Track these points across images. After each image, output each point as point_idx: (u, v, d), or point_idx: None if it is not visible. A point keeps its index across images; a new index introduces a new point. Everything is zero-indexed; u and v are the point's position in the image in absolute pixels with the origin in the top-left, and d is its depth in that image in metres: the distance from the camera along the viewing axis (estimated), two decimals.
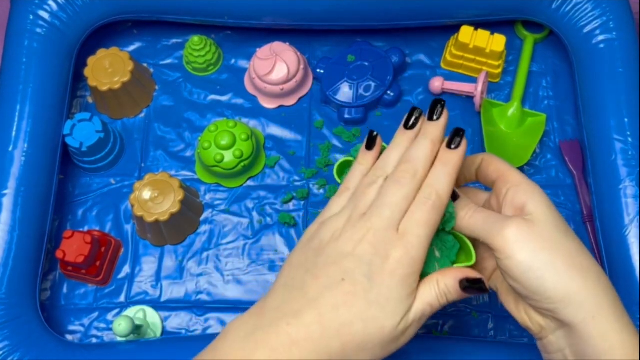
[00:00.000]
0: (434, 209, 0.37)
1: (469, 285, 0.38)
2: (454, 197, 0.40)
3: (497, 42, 0.65)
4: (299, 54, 0.66)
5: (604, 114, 0.60)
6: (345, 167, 0.45)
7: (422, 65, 0.70)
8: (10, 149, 0.58)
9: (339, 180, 0.43)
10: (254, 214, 0.63)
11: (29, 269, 0.56)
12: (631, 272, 0.54)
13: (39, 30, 0.61)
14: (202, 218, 0.64)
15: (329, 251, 0.37)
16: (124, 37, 0.71)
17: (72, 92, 0.65)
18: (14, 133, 0.58)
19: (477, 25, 0.66)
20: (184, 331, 0.59)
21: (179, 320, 0.60)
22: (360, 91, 0.65)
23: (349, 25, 0.67)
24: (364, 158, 0.42)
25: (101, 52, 0.64)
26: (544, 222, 0.37)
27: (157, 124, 0.67)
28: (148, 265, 0.62)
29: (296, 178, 0.65)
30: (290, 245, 0.62)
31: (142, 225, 0.60)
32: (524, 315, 0.39)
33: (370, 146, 0.41)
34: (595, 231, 0.60)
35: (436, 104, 0.40)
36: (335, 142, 0.66)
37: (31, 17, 0.61)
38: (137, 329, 0.56)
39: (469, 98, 0.67)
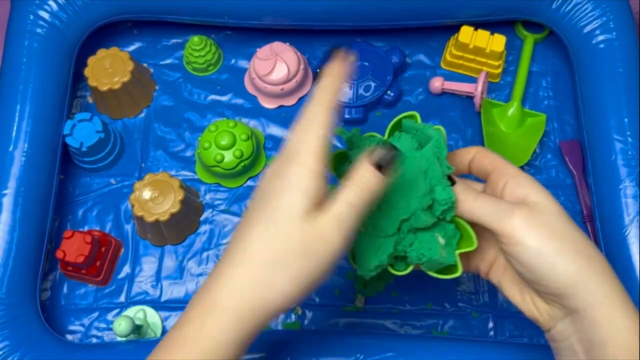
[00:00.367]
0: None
1: (381, 160, 0.36)
2: (452, 181, 0.40)
3: (497, 42, 0.65)
4: (299, 54, 0.66)
5: (604, 114, 0.60)
6: (340, 160, 0.44)
7: (422, 65, 0.70)
8: (10, 149, 0.58)
9: (333, 173, 0.43)
10: None
11: (29, 269, 0.56)
12: (631, 272, 0.54)
13: (39, 30, 0.61)
14: (202, 218, 0.64)
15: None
16: (124, 37, 0.71)
17: (72, 92, 0.65)
18: (14, 133, 0.58)
19: (477, 25, 0.66)
20: None
21: None
22: (360, 91, 0.65)
23: (349, 25, 0.67)
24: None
25: (101, 52, 0.64)
26: (549, 211, 0.37)
27: (157, 124, 0.67)
28: (148, 265, 0.62)
29: None
30: None
31: (142, 225, 0.60)
32: (531, 306, 0.40)
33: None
34: (595, 231, 0.60)
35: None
36: (335, 142, 0.66)
37: (31, 17, 0.61)
38: (137, 329, 0.56)
39: (469, 98, 0.67)
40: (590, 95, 0.61)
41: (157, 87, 0.69)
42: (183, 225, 0.61)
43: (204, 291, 0.36)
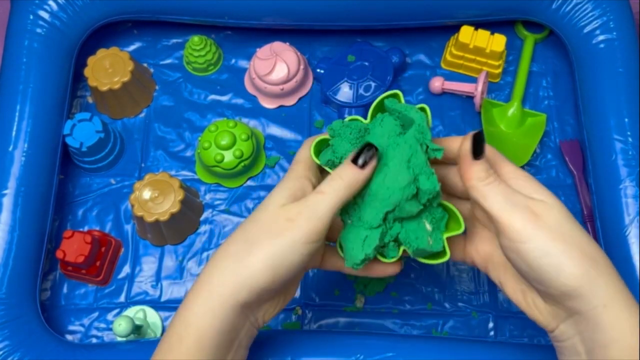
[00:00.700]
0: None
1: (357, 155, 0.39)
2: (478, 153, 0.39)
3: (497, 42, 0.65)
4: (299, 54, 0.66)
5: (604, 114, 0.60)
6: (322, 146, 0.43)
7: (422, 65, 0.70)
8: (10, 149, 0.58)
9: (316, 160, 0.42)
10: None
11: (29, 269, 0.56)
12: (631, 272, 0.54)
13: (39, 30, 0.61)
14: (202, 218, 0.64)
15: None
16: (124, 37, 0.71)
17: (72, 92, 0.65)
18: (14, 133, 0.58)
19: (477, 25, 0.66)
20: None
21: None
22: (361, 91, 0.65)
23: (349, 25, 0.67)
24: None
25: (101, 52, 0.64)
26: (556, 212, 0.37)
27: (157, 124, 0.67)
28: (148, 265, 0.62)
29: None
30: None
31: (142, 225, 0.60)
32: (532, 306, 0.40)
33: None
34: (595, 231, 0.60)
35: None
36: None
37: (31, 17, 0.61)
38: (137, 329, 0.56)
39: (469, 98, 0.67)
40: (590, 95, 0.61)
41: (157, 87, 0.69)
42: (183, 225, 0.61)
43: None
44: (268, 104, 0.68)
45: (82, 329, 0.60)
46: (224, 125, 0.61)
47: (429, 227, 0.41)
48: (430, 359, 0.50)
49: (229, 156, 0.61)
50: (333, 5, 0.63)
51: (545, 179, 0.65)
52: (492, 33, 0.65)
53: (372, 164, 0.39)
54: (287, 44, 0.66)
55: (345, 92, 0.65)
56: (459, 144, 0.40)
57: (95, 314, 0.60)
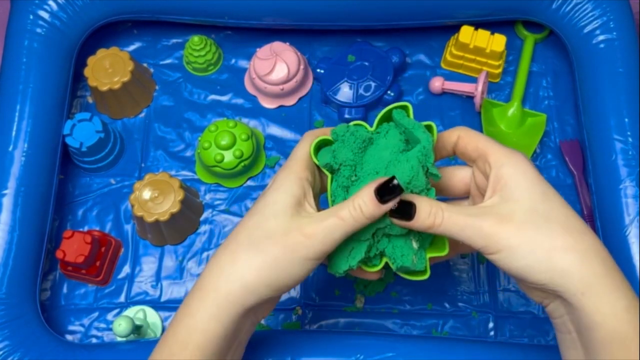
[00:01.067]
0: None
1: (384, 193, 0.37)
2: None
3: (497, 42, 0.65)
4: (299, 54, 0.66)
5: (604, 114, 0.60)
6: (321, 146, 0.42)
7: (422, 65, 0.70)
8: (10, 149, 0.58)
9: (315, 161, 0.42)
10: None
11: (29, 269, 0.56)
12: (631, 272, 0.54)
13: (39, 30, 0.61)
14: (202, 218, 0.64)
15: None
16: (124, 37, 0.71)
17: (72, 92, 0.65)
18: (14, 133, 0.58)
19: (477, 25, 0.66)
20: None
21: None
22: (361, 91, 0.65)
23: (349, 25, 0.67)
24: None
25: (101, 52, 0.64)
26: (523, 209, 0.37)
27: (157, 124, 0.67)
28: (148, 265, 0.62)
29: None
30: None
31: (142, 225, 0.60)
32: (523, 286, 0.40)
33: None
34: (595, 231, 0.60)
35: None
36: None
37: (31, 17, 0.61)
38: (137, 329, 0.56)
39: (469, 98, 0.67)
40: (590, 95, 0.61)
41: (157, 87, 0.69)
42: (183, 225, 0.61)
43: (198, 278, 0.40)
44: (268, 104, 0.68)
45: (82, 329, 0.60)
46: (224, 125, 0.61)
47: (415, 245, 0.41)
48: (430, 359, 0.50)
49: (229, 156, 0.61)
50: (333, 5, 0.63)
51: (545, 179, 0.64)
52: (492, 33, 0.65)
53: (393, 202, 0.38)
54: (287, 44, 0.66)
55: (345, 92, 0.65)
56: (453, 138, 0.42)
57: (95, 314, 0.60)
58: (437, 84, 0.67)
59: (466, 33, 0.65)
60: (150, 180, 0.58)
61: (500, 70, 0.68)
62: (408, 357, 0.50)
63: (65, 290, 0.61)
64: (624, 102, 0.59)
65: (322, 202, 0.44)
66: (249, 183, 0.65)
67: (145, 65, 0.69)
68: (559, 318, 0.38)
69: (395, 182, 0.37)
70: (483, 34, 0.65)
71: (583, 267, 0.35)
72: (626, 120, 0.59)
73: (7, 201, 0.56)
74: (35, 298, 0.56)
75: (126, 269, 0.62)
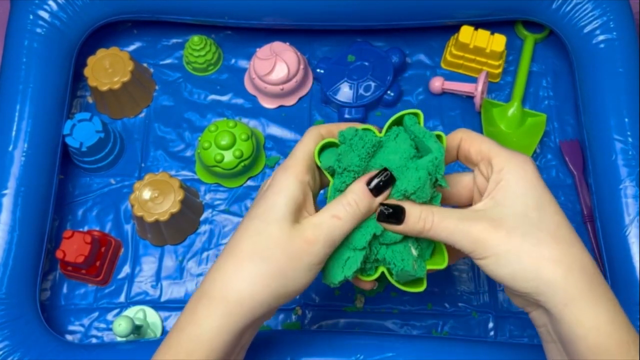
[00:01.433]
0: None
1: (376, 184, 0.38)
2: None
3: (497, 42, 0.65)
4: (299, 54, 0.66)
5: (604, 114, 0.60)
6: (326, 149, 0.41)
7: (422, 65, 0.70)
8: (10, 149, 0.58)
9: (318, 163, 0.41)
10: None
11: (29, 269, 0.56)
12: (631, 272, 0.54)
13: (39, 30, 0.61)
14: (202, 218, 0.64)
15: None
16: (124, 37, 0.71)
17: (72, 92, 0.65)
18: (14, 133, 0.58)
19: (477, 25, 0.66)
20: None
21: None
22: (360, 91, 0.65)
23: (349, 25, 0.67)
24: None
25: (101, 52, 0.64)
26: (515, 214, 0.36)
27: (157, 124, 0.67)
28: (148, 265, 0.62)
29: None
30: None
31: (142, 225, 0.60)
32: (508, 291, 0.40)
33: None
34: (595, 231, 0.60)
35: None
36: None
37: (31, 17, 0.61)
38: (137, 329, 0.56)
39: (469, 98, 0.67)
40: (590, 95, 0.61)
41: (157, 87, 0.69)
42: (183, 225, 0.61)
43: (200, 284, 0.39)
44: (268, 104, 0.68)
45: (82, 329, 0.60)
46: (224, 125, 0.61)
47: (414, 252, 0.41)
48: (430, 359, 0.50)
49: (229, 156, 0.61)
50: (333, 5, 0.63)
51: (546, 179, 0.64)
52: (492, 33, 0.65)
53: (386, 193, 0.38)
54: (287, 44, 0.66)
55: (345, 92, 0.65)
56: (456, 142, 0.41)
57: (95, 314, 0.60)
58: (437, 84, 0.67)
59: (466, 33, 0.65)
60: (150, 180, 0.58)
61: (500, 70, 0.68)
62: (408, 357, 0.50)
63: (65, 290, 0.61)
64: (624, 102, 0.59)
65: (321, 202, 0.44)
66: (249, 183, 0.65)
67: (145, 65, 0.69)
68: (542, 327, 0.38)
69: (387, 173, 0.38)
70: (483, 34, 0.65)
71: (567, 279, 0.35)
72: (626, 120, 0.59)
73: (7, 201, 0.56)
74: (35, 298, 0.56)
75: (126, 269, 0.62)
